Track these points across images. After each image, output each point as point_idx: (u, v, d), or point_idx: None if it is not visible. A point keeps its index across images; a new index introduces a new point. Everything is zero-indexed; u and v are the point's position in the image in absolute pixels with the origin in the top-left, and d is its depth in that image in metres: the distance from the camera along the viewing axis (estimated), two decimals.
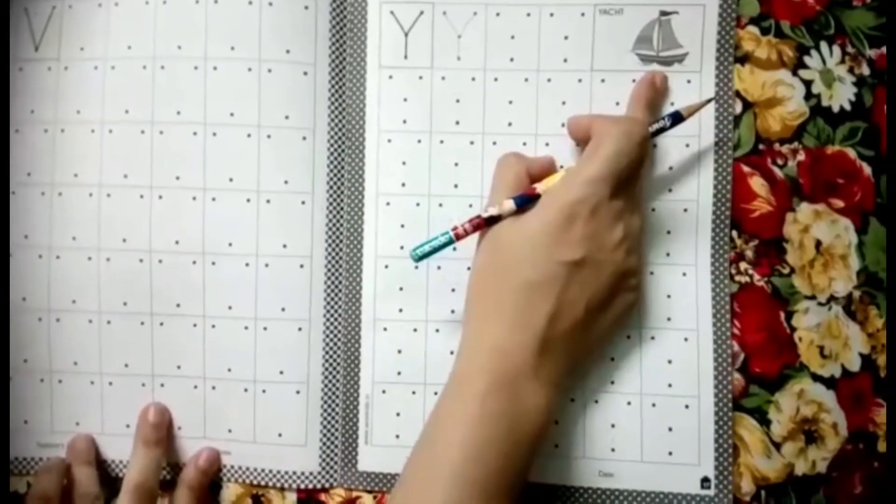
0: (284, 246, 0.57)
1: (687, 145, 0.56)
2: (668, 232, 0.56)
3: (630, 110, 0.55)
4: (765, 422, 0.56)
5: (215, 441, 0.58)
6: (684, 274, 0.56)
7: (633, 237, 0.51)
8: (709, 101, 0.54)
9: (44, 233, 0.58)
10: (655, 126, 0.53)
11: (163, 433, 0.57)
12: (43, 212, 0.58)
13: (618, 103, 0.56)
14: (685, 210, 0.56)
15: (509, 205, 0.51)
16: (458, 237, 0.52)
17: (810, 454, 0.56)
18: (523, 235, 0.50)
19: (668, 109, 0.56)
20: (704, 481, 0.55)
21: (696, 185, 0.56)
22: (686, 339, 0.56)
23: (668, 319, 0.56)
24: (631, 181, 0.51)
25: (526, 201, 0.51)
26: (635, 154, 0.50)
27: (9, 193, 0.58)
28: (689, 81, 0.56)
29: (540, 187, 0.51)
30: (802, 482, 0.56)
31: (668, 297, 0.56)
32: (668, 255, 0.56)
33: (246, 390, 0.57)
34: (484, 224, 0.52)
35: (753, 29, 0.57)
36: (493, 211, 0.52)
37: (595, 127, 0.51)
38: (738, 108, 0.57)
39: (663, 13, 0.56)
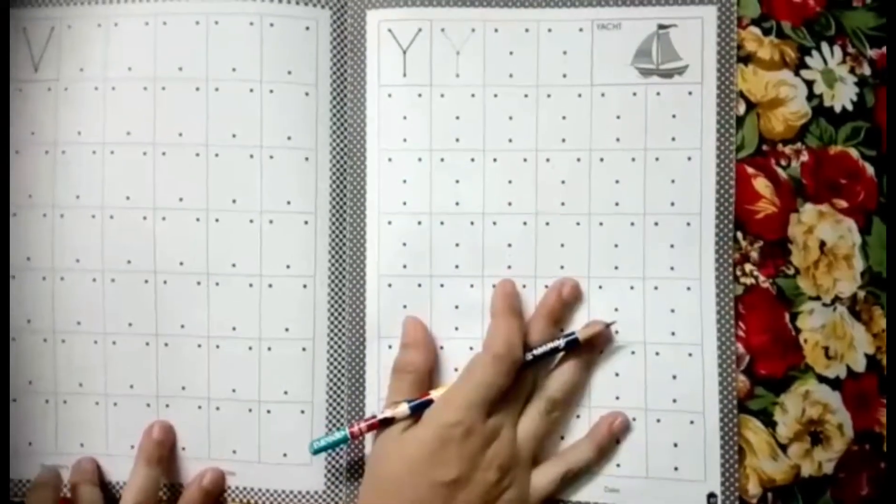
0: (287, 266, 0.57)
1: (689, 158, 0.56)
2: (672, 246, 0.56)
3: (532, 320, 0.56)
4: (770, 424, 0.56)
5: (220, 462, 0.57)
6: (688, 288, 0.56)
7: (506, 454, 0.53)
8: (609, 325, 0.55)
9: (46, 255, 0.58)
10: (544, 348, 0.54)
11: (165, 452, 0.57)
12: (45, 233, 0.58)
13: (618, 117, 0.56)
14: (688, 224, 0.56)
15: (404, 409, 0.54)
16: (354, 436, 0.55)
17: (816, 455, 0.56)
18: (403, 457, 0.52)
19: (668, 125, 0.56)
20: (710, 497, 0.55)
21: (699, 198, 0.56)
22: (690, 355, 0.56)
23: (673, 334, 0.56)
24: (508, 397, 0.54)
25: (421, 407, 0.54)
26: (503, 382, 0.53)
27: (8, 215, 0.58)
28: (690, 93, 0.56)
29: (434, 394, 0.54)
30: (809, 484, 0.56)
31: (673, 311, 0.56)
32: (671, 269, 0.56)
33: (250, 411, 0.57)
34: (379, 425, 0.54)
35: (755, 30, 0.57)
36: (388, 413, 0.54)
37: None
38: (742, 108, 0.57)
39: (661, 26, 0.56)
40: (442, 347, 0.57)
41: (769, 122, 0.57)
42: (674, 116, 0.56)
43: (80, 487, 0.56)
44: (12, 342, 0.58)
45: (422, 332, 0.57)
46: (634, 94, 0.56)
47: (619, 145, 0.56)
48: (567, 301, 0.56)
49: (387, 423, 0.54)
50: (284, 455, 0.57)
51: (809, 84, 0.57)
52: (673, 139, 0.56)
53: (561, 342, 0.54)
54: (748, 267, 0.56)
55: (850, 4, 0.57)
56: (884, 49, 0.57)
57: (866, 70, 0.57)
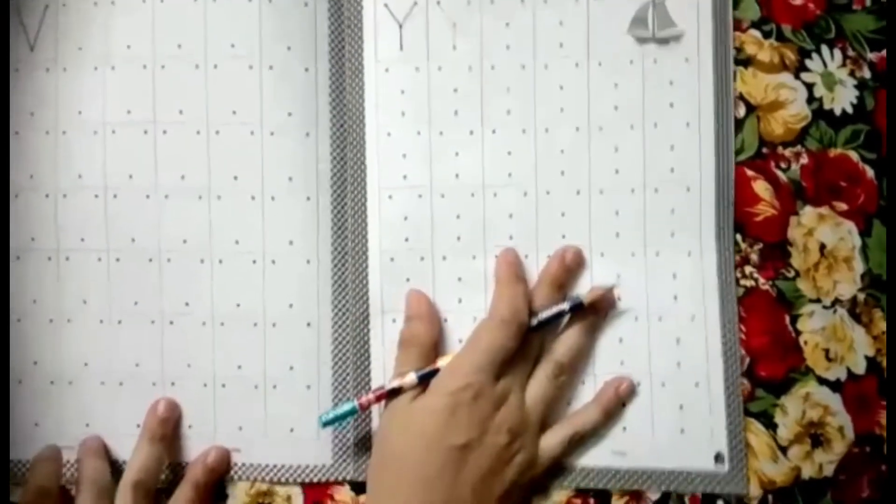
0: (290, 242, 0.58)
1: (687, 124, 0.56)
2: (672, 211, 0.57)
3: (536, 286, 0.57)
4: (771, 426, 0.56)
5: (226, 439, 0.57)
6: (689, 253, 0.56)
7: (516, 418, 0.53)
8: (612, 288, 0.56)
9: (51, 235, 0.58)
10: (551, 312, 0.55)
11: (169, 429, 0.57)
12: (48, 214, 0.58)
13: (616, 85, 0.57)
14: (688, 189, 0.56)
15: (412, 378, 0.54)
16: (363, 407, 0.55)
17: (817, 458, 0.56)
18: (413, 427, 0.53)
19: (666, 92, 0.57)
20: (717, 457, 0.55)
21: (699, 163, 0.56)
22: (693, 318, 0.56)
23: (675, 299, 0.56)
24: (515, 362, 0.54)
25: (428, 376, 0.54)
26: (509, 346, 0.54)
27: (8, 197, 0.58)
28: (686, 60, 0.57)
29: (441, 363, 0.55)
30: (809, 486, 0.56)
31: (674, 276, 0.56)
32: (672, 235, 0.56)
33: (256, 387, 0.57)
34: (387, 395, 0.55)
35: (755, 33, 0.57)
36: (396, 383, 0.54)
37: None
38: (742, 111, 0.57)
39: None
40: (446, 320, 0.57)
41: (769, 125, 0.57)
42: (671, 83, 0.57)
43: (85, 460, 0.56)
44: (18, 323, 0.58)
45: (425, 305, 0.57)
46: (631, 62, 0.57)
47: (617, 114, 0.57)
48: (570, 267, 0.56)
49: (395, 393, 0.54)
50: (291, 430, 0.57)
51: (809, 87, 0.58)
52: (671, 105, 0.57)
53: (566, 306, 0.55)
54: (748, 269, 0.57)
55: (850, 7, 0.58)
56: (883, 52, 0.57)
57: (866, 73, 0.57)
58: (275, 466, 0.57)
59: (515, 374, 0.54)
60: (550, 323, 0.55)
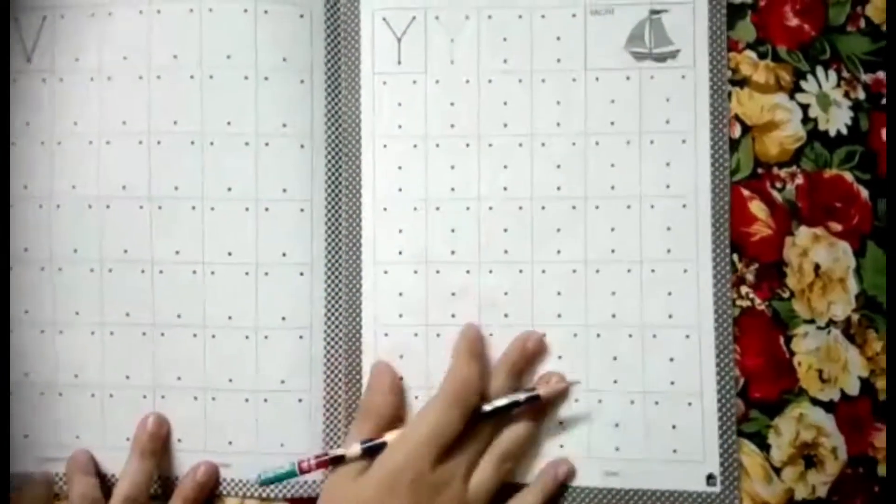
0: (284, 254, 0.57)
1: (683, 141, 0.56)
2: (668, 228, 0.56)
3: (494, 372, 0.56)
4: (764, 447, 0.56)
5: (216, 454, 0.57)
6: (685, 270, 0.56)
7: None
8: (573, 384, 0.55)
9: (44, 246, 0.58)
10: (503, 401, 0.53)
11: (159, 444, 0.56)
12: (42, 224, 0.58)
13: (613, 101, 0.57)
14: (684, 206, 0.56)
15: (356, 449, 0.53)
16: (303, 471, 0.54)
17: (810, 479, 0.55)
18: (352, 502, 0.52)
19: (662, 108, 0.56)
20: (710, 478, 0.54)
21: (694, 180, 0.56)
22: (688, 336, 0.55)
23: (670, 317, 0.56)
24: (463, 446, 0.53)
25: (373, 449, 0.53)
26: (456, 426, 0.52)
27: (8, 206, 0.58)
28: (683, 77, 0.56)
29: (388, 437, 0.53)
30: None
31: (669, 294, 0.56)
32: (668, 251, 0.56)
33: (247, 401, 0.57)
34: (328, 463, 0.54)
35: (751, 53, 0.57)
36: (339, 452, 0.54)
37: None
38: (738, 132, 0.57)
39: (653, 11, 0.57)
40: (438, 335, 0.57)
41: (764, 146, 0.57)
42: (667, 100, 0.56)
43: (73, 477, 0.56)
44: (9, 333, 0.58)
45: (388, 377, 0.56)
46: (628, 78, 0.57)
47: (613, 129, 0.57)
48: (530, 355, 0.56)
49: (337, 461, 0.53)
50: (282, 445, 0.57)
51: (804, 108, 0.57)
52: (667, 122, 0.56)
53: (521, 396, 0.54)
54: (744, 289, 0.56)
55: (845, 29, 0.57)
56: (878, 74, 0.57)
57: (860, 94, 0.57)
58: None
59: (460, 460, 0.53)
60: (503, 412, 0.54)
